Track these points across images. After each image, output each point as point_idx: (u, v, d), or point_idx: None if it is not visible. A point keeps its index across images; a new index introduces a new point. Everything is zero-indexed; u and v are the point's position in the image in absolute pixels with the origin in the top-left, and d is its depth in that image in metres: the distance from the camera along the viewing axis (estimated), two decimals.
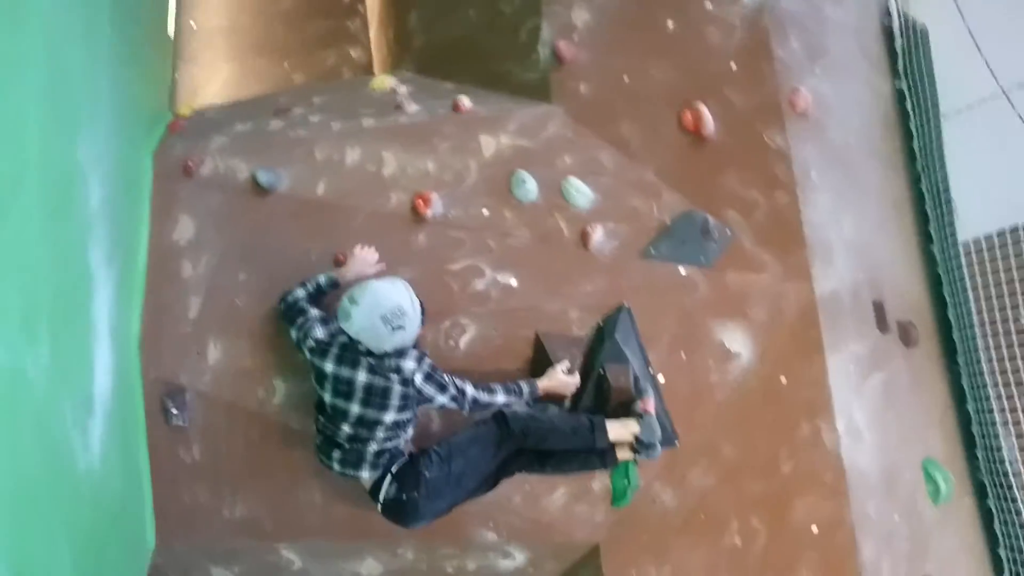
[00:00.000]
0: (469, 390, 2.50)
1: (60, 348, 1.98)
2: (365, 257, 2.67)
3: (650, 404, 2.64)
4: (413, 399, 2.43)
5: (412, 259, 2.79)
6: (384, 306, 2.34)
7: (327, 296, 2.65)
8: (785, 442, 2.75)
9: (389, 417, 2.41)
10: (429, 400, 2.46)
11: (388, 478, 2.46)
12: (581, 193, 2.89)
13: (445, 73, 3.55)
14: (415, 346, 2.48)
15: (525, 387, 2.58)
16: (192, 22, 5.15)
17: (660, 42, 3.05)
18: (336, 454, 2.49)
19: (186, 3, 5.19)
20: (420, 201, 2.84)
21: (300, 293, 2.60)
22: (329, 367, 2.43)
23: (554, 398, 2.71)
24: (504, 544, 2.81)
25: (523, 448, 2.57)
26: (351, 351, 2.42)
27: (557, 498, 2.78)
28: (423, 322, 2.47)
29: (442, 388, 2.46)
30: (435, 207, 2.85)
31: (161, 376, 2.74)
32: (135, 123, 2.98)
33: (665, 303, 2.83)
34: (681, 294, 2.84)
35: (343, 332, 2.42)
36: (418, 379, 2.41)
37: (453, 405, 2.50)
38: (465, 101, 3.09)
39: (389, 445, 2.46)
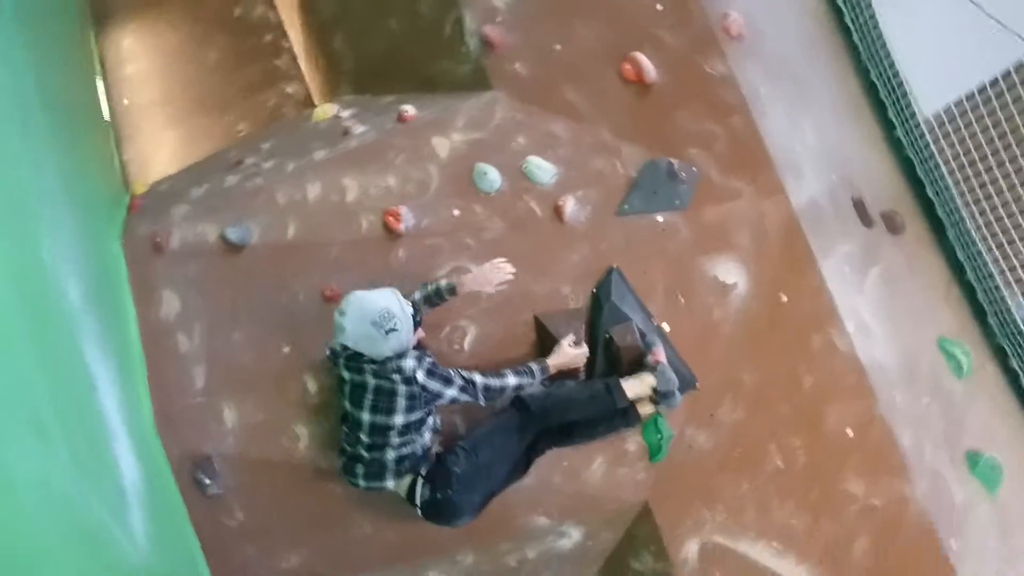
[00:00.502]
0: (478, 378, 2.51)
1: (77, 448, 1.99)
2: (485, 274, 2.58)
3: (660, 354, 2.66)
4: (420, 398, 2.42)
5: (396, 276, 2.79)
6: (373, 311, 2.35)
7: (447, 303, 2.59)
8: (801, 357, 2.77)
9: (398, 420, 2.42)
10: (438, 396, 2.46)
11: (420, 481, 2.48)
12: (543, 170, 2.90)
13: (383, 87, 3.54)
14: (416, 347, 2.49)
15: (536, 367, 2.59)
16: (125, 100, 5.12)
17: (583, 2, 3.05)
18: (359, 469, 2.51)
19: (115, 83, 5.16)
20: (390, 218, 2.85)
21: (417, 296, 2.56)
22: (345, 374, 2.48)
23: (568, 374, 2.73)
24: (557, 525, 2.84)
25: (547, 426, 2.60)
26: (356, 359, 2.45)
27: (596, 468, 2.80)
28: (417, 324, 2.48)
29: (447, 381, 2.46)
30: (406, 220, 2.85)
31: (185, 451, 2.75)
32: (94, 213, 2.97)
33: (651, 254, 2.85)
34: (664, 241, 2.85)
35: None
36: (420, 376, 2.41)
37: (465, 396, 2.49)
38: (409, 110, 3.09)
39: (407, 451, 2.47)
